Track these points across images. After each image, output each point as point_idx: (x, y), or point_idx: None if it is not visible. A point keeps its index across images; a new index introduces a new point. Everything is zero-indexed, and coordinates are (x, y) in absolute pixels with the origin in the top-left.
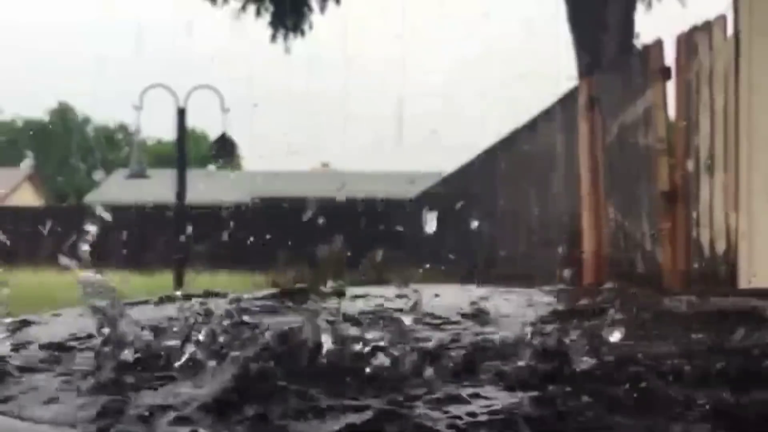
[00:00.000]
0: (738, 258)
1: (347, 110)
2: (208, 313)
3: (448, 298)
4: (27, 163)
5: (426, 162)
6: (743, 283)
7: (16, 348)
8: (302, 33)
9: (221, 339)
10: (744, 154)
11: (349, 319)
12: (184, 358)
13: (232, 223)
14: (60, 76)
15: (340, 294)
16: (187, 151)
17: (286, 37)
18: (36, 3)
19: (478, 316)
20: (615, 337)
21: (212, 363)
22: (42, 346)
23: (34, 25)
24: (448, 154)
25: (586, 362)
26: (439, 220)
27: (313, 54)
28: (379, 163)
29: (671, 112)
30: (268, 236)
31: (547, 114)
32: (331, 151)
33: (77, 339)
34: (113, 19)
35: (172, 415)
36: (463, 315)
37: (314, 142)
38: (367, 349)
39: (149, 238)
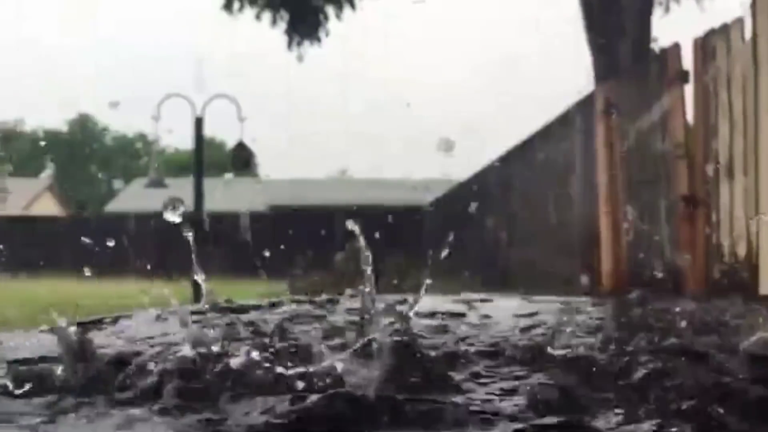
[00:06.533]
0: (759, 262)
1: (360, 118)
2: None
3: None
4: (47, 174)
5: (439, 168)
6: (765, 289)
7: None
8: (318, 41)
9: None
10: (764, 157)
11: None
12: None
13: (249, 231)
14: (78, 86)
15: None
16: (205, 159)
17: (300, 44)
18: (57, 20)
19: None
20: None
21: None
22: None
23: (55, 40)
24: (462, 160)
25: None
26: (454, 227)
27: (325, 61)
28: (393, 170)
29: (689, 115)
30: (284, 244)
31: (563, 119)
32: (348, 158)
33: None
34: (129, 34)
35: None
36: None
37: (329, 150)
38: None
39: (167, 247)
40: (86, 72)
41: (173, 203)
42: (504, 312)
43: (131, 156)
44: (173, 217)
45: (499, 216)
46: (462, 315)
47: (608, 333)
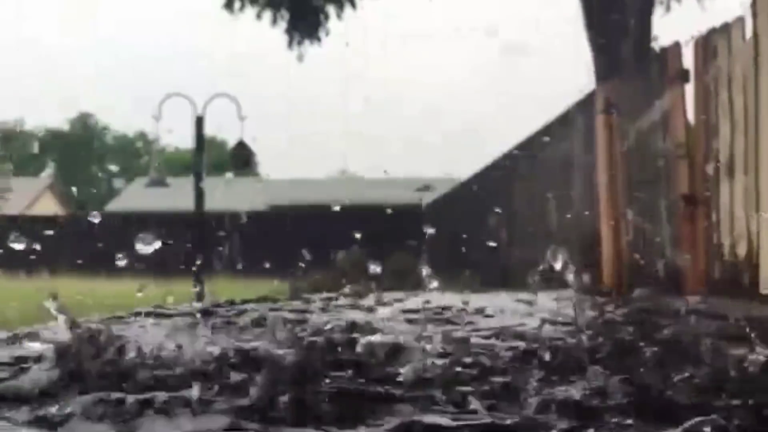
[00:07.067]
0: (759, 262)
1: (360, 118)
2: None
3: None
4: (48, 173)
5: (441, 167)
6: (765, 288)
7: None
8: (318, 40)
9: None
10: (764, 156)
11: None
12: None
13: (250, 231)
14: (79, 86)
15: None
16: (206, 158)
17: (300, 44)
18: (57, 20)
19: None
20: None
21: None
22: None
23: (55, 40)
24: (463, 158)
25: None
26: (455, 226)
27: (325, 61)
28: (393, 169)
29: (690, 115)
30: (284, 244)
31: (563, 119)
32: (348, 158)
33: None
34: (129, 33)
35: None
36: None
37: (329, 150)
38: None
39: (167, 247)
40: (86, 72)
41: (144, 240)
42: (503, 310)
43: (131, 155)
44: (145, 249)
45: (499, 215)
46: (463, 311)
47: (608, 331)
